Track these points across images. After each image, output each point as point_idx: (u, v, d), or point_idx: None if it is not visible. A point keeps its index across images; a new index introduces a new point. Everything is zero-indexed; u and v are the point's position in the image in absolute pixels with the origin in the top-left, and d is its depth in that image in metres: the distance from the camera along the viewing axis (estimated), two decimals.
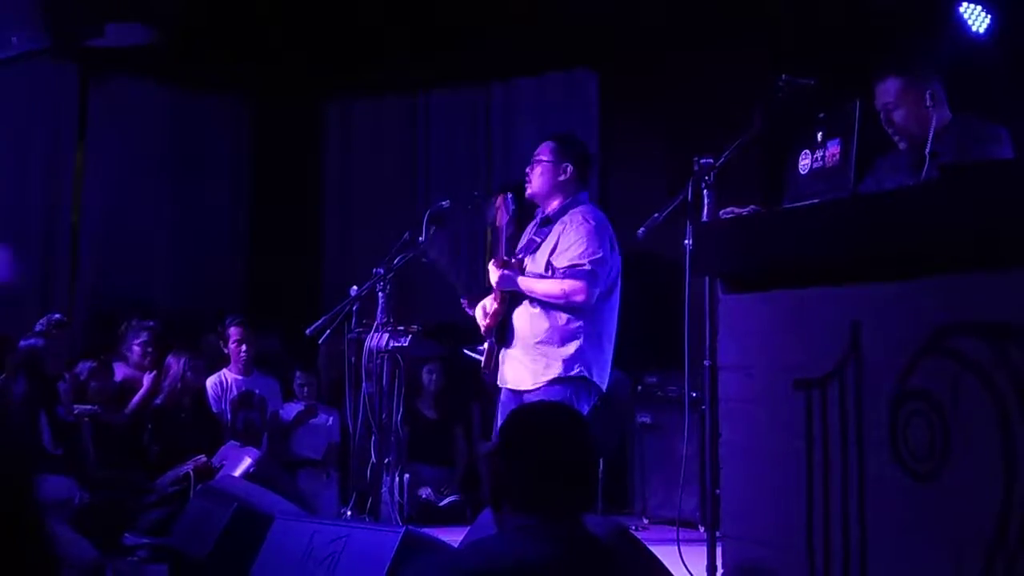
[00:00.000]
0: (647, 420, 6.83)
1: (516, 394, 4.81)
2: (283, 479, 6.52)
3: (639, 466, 6.88)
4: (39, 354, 5.63)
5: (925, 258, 2.89)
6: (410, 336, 5.39)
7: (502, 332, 4.88)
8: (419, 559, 3.46)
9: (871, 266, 3.05)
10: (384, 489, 5.41)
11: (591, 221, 4.80)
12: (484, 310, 4.96)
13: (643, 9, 7.48)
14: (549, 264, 4.78)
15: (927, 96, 4.07)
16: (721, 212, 3.94)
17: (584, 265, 4.70)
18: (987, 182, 2.81)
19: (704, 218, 4.05)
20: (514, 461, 2.45)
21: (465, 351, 5.47)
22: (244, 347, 7.00)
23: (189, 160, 9.13)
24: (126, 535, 5.67)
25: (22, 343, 5.68)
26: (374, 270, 5.39)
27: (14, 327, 6.51)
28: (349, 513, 5.81)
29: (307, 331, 5.50)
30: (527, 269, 4.85)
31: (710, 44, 7.29)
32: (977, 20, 5.93)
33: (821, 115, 3.65)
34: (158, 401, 6.54)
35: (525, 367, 4.76)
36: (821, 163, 3.59)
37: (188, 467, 6.13)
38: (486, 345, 4.99)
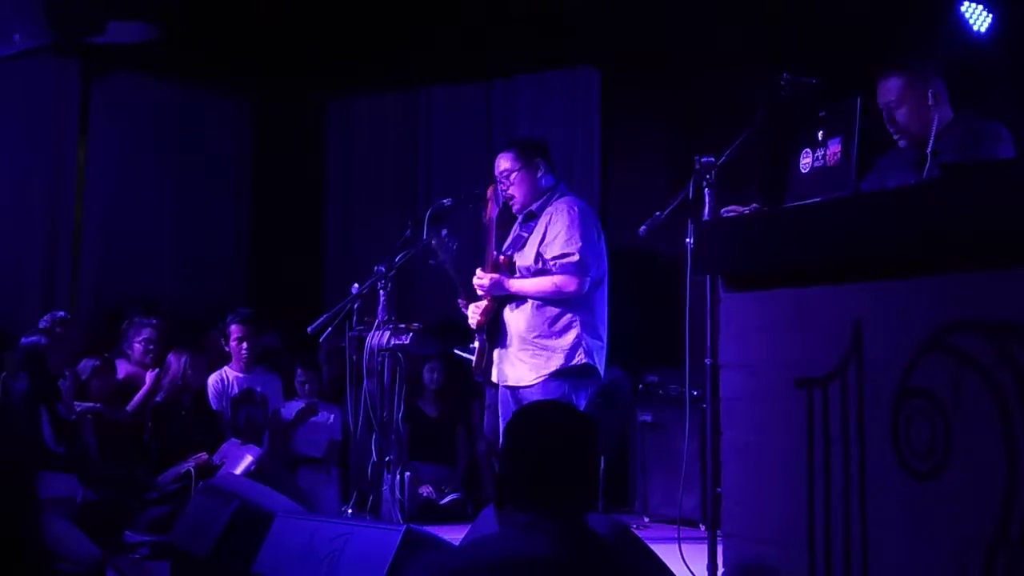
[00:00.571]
0: (648, 418, 6.83)
1: (515, 391, 4.81)
2: (284, 477, 6.54)
3: (640, 464, 6.88)
4: (41, 352, 5.63)
5: (927, 256, 2.89)
6: (411, 334, 5.39)
7: (495, 331, 4.89)
8: (420, 557, 3.46)
9: (872, 265, 3.05)
10: (385, 487, 5.42)
11: (575, 210, 4.82)
12: (475, 307, 4.97)
13: (646, 7, 7.48)
14: (539, 256, 4.79)
15: (929, 95, 4.08)
16: (723, 210, 3.95)
17: (573, 255, 4.74)
18: (989, 181, 2.81)
19: (705, 217, 4.06)
20: (517, 459, 2.46)
21: (456, 351, 5.48)
22: (245, 344, 6.99)
23: (191, 157, 9.13)
24: (127, 533, 5.68)
25: (23, 340, 5.68)
26: (375, 268, 5.40)
27: (16, 324, 6.51)
28: (350, 511, 5.82)
29: (308, 329, 5.51)
30: (516, 264, 4.86)
31: (712, 42, 7.29)
32: (978, 19, 5.93)
33: (822, 114, 3.65)
34: (158, 399, 6.54)
35: (524, 363, 4.77)
36: (822, 162, 3.59)
37: (189, 465, 6.14)
38: (476, 344, 5.00)
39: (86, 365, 6.30)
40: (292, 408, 7.13)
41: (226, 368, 7.03)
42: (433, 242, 5.22)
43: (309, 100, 9.55)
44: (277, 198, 9.41)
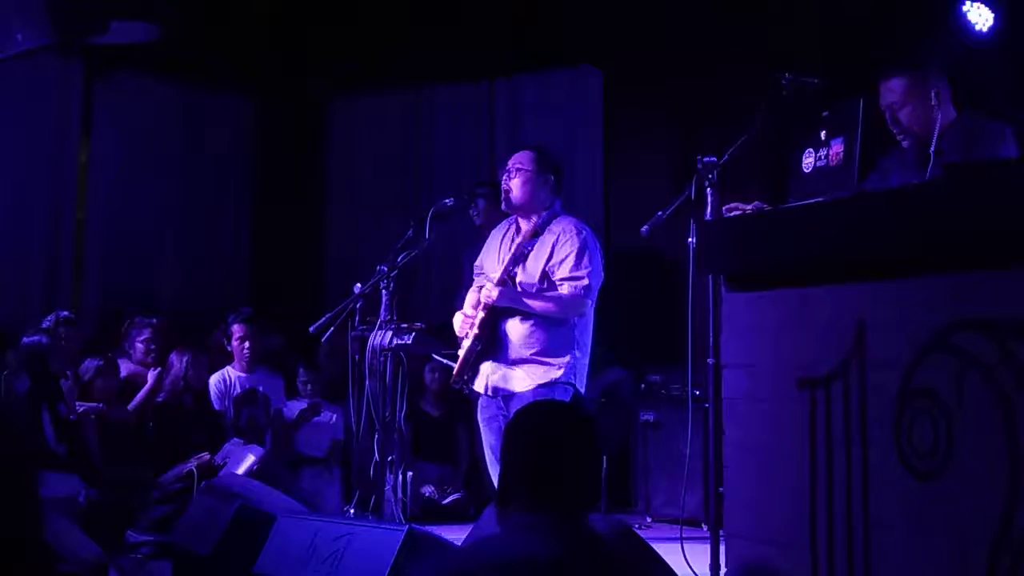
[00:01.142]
0: (650, 418, 6.82)
1: (507, 400, 4.83)
2: (286, 477, 6.53)
3: (642, 464, 6.87)
4: (42, 351, 5.62)
5: (929, 256, 2.89)
6: (413, 334, 5.39)
7: (491, 343, 4.89)
8: (422, 557, 3.46)
9: (875, 264, 3.05)
10: (387, 487, 5.42)
11: (584, 233, 4.88)
12: (467, 318, 4.96)
13: (647, 7, 7.47)
14: (545, 274, 4.81)
15: (932, 94, 4.08)
16: (725, 208, 3.95)
17: (583, 279, 4.79)
18: (991, 180, 2.81)
19: (708, 216, 4.06)
20: (518, 459, 2.46)
21: (435, 356, 5.47)
22: (248, 344, 6.99)
23: (193, 156, 9.13)
24: (129, 532, 5.68)
25: (25, 340, 5.67)
26: (378, 267, 5.39)
27: (19, 323, 6.50)
28: (352, 511, 5.82)
29: (311, 328, 5.51)
30: (518, 280, 4.87)
31: (714, 42, 7.28)
32: (980, 19, 5.92)
33: (825, 113, 3.66)
34: (160, 399, 6.54)
35: (517, 376, 4.79)
36: (825, 161, 3.59)
37: (191, 465, 6.14)
38: (462, 353, 4.98)
39: (89, 365, 6.30)
40: (294, 408, 7.13)
41: (228, 368, 7.02)
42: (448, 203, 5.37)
43: (311, 100, 9.55)
44: (279, 197, 9.40)
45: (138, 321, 7.04)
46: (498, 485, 2.50)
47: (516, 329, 4.83)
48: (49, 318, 6.47)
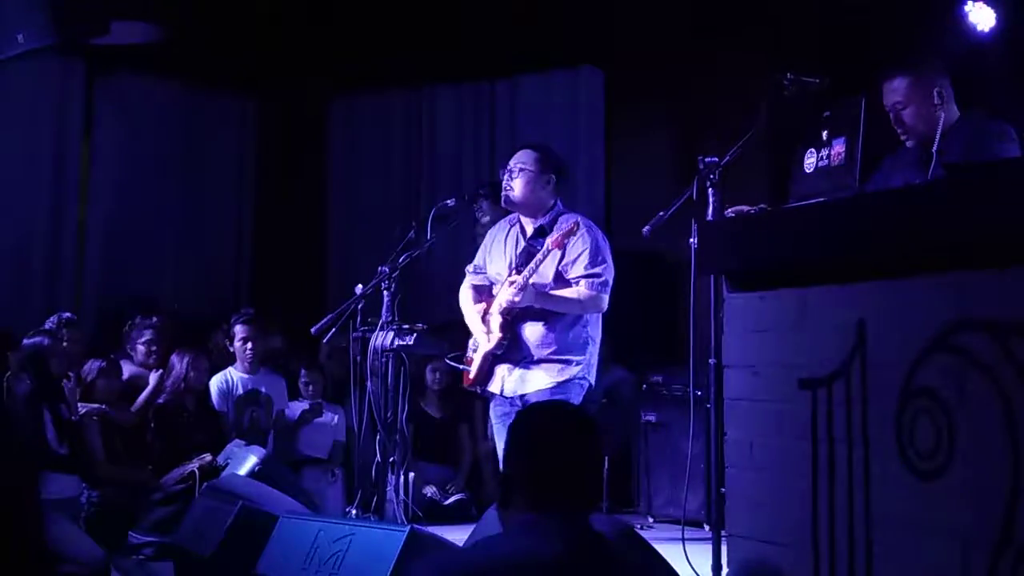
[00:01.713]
0: (652, 418, 6.82)
1: (522, 397, 4.81)
2: (288, 478, 6.51)
3: (644, 464, 6.87)
4: (44, 353, 5.62)
5: (931, 256, 2.89)
6: (415, 334, 5.38)
7: (511, 346, 4.87)
8: (424, 558, 3.45)
9: (877, 264, 3.05)
10: (389, 488, 5.41)
11: (595, 230, 4.87)
12: (488, 326, 4.93)
13: (649, 7, 7.47)
14: (559, 274, 4.80)
15: (935, 94, 4.08)
16: (729, 209, 3.94)
17: (600, 275, 4.78)
18: (992, 180, 2.81)
19: (709, 217, 4.05)
20: (520, 459, 2.46)
21: (447, 360, 5.46)
22: (250, 345, 6.98)
23: (194, 157, 9.13)
24: (131, 533, 5.67)
25: (26, 341, 5.67)
26: (379, 268, 5.39)
27: (20, 323, 6.50)
28: (354, 512, 5.81)
29: (312, 330, 5.50)
30: (532, 280, 4.86)
31: (716, 42, 7.29)
32: (982, 18, 5.92)
33: (826, 113, 3.66)
34: (161, 400, 6.54)
35: (535, 374, 4.78)
36: (826, 161, 3.59)
37: (193, 465, 6.13)
38: (479, 359, 4.93)
39: (92, 366, 6.29)
40: (296, 409, 7.12)
41: (231, 369, 7.02)
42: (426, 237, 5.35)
43: (312, 100, 9.55)
44: (280, 197, 9.41)
45: (139, 322, 7.03)
46: (500, 485, 2.50)
47: (532, 330, 4.81)
48: (51, 319, 6.46)
